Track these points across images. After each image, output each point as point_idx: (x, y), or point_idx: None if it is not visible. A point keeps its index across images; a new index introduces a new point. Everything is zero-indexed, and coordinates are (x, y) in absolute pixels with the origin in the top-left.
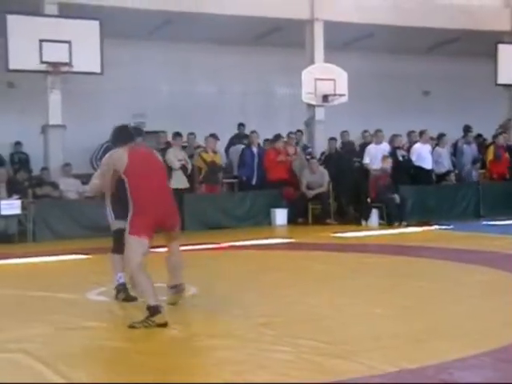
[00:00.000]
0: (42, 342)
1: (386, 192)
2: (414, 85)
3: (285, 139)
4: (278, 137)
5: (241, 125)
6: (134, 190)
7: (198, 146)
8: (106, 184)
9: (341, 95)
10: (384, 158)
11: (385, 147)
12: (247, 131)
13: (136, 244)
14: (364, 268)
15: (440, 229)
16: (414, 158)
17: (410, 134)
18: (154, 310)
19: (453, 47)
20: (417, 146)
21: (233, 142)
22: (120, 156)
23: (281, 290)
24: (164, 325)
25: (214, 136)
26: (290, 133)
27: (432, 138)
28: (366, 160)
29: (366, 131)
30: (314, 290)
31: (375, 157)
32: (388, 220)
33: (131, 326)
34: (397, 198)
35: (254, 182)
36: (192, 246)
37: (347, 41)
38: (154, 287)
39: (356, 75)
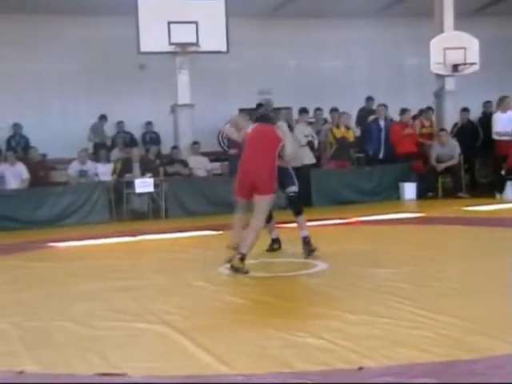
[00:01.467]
0: (181, 315)
1: None
2: None
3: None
4: (404, 110)
5: (369, 98)
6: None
7: (326, 121)
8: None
9: (472, 64)
10: None
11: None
12: (375, 105)
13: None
14: (499, 243)
15: None
16: None
17: None
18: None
19: None
20: None
21: (361, 115)
22: (247, 130)
23: (413, 265)
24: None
25: (335, 110)
26: (428, 108)
27: None
28: (498, 129)
29: (488, 102)
30: (448, 265)
31: (504, 125)
32: None
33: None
34: None
35: (381, 156)
36: (320, 222)
37: (479, 6)
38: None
39: (489, 42)
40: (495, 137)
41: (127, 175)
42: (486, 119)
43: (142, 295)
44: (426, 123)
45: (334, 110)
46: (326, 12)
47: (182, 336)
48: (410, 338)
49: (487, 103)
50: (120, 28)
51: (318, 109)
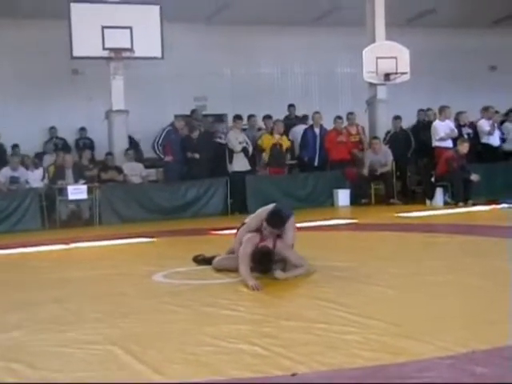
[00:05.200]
0: (113, 323)
1: (460, 173)
2: (480, 60)
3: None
4: (338, 118)
5: (290, 106)
6: None
7: (260, 129)
8: None
9: (403, 73)
10: (461, 141)
11: (449, 124)
12: (310, 112)
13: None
14: (431, 248)
15: (509, 207)
16: (479, 134)
17: (482, 110)
18: None
19: None
20: (481, 122)
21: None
22: None
23: (346, 270)
24: None
25: (269, 117)
26: (350, 113)
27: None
28: (440, 135)
29: (429, 109)
30: (381, 270)
31: (440, 134)
32: (454, 199)
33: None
34: (476, 176)
35: (316, 163)
36: None
37: (409, 17)
38: None
39: (419, 52)
40: (436, 143)
41: (60, 182)
42: (420, 127)
43: (74, 304)
44: (352, 131)
45: (267, 117)
46: (261, 19)
47: (114, 345)
48: (342, 343)
49: (420, 111)
50: (53, 32)
51: (252, 115)
